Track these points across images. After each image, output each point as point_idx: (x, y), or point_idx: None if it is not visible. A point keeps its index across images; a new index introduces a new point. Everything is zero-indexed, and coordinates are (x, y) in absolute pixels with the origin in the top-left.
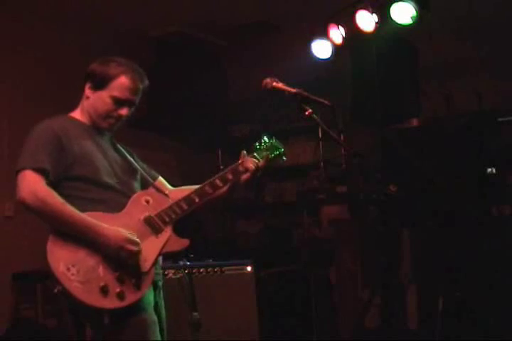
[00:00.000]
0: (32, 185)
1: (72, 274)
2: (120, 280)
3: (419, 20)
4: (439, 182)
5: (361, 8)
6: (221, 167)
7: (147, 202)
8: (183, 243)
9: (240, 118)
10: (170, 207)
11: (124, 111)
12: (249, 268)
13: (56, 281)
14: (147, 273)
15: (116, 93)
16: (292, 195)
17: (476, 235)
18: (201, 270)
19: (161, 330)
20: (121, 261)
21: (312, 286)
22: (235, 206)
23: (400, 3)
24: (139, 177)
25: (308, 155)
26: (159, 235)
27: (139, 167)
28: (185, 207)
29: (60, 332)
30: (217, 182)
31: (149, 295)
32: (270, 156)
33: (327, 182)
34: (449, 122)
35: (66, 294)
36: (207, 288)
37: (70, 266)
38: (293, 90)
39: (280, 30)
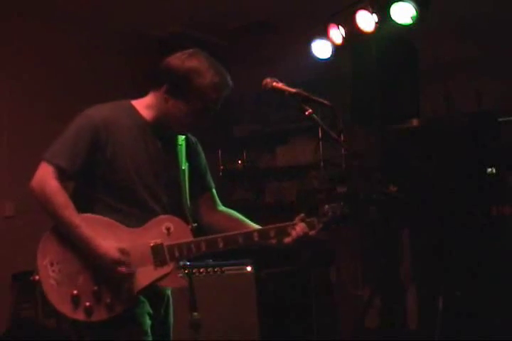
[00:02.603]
0: (44, 178)
1: (53, 271)
2: (95, 296)
3: (419, 20)
4: (439, 183)
5: (361, 8)
6: (221, 167)
7: (168, 229)
8: (180, 283)
9: (240, 119)
10: (187, 243)
11: (206, 121)
12: (249, 268)
13: (36, 272)
14: (127, 298)
15: (202, 106)
16: (292, 195)
17: (476, 235)
18: (201, 270)
19: (167, 337)
20: (107, 278)
21: (312, 286)
22: (234, 206)
23: (399, 3)
24: (186, 188)
25: (308, 155)
26: (159, 268)
27: (184, 181)
28: (203, 248)
29: (60, 332)
30: (255, 235)
31: (144, 306)
32: (326, 228)
33: (327, 182)
34: (449, 122)
35: (40, 286)
36: (207, 288)
37: (55, 263)
38: (293, 90)
39: (280, 30)
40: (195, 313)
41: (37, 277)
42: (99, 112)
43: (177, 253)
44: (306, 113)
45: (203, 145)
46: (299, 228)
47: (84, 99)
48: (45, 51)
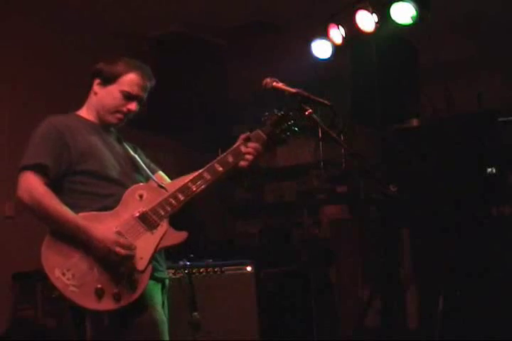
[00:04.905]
0: (29, 184)
1: (68, 279)
2: (115, 282)
3: (419, 20)
4: (439, 183)
5: (361, 8)
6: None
7: (141, 196)
8: (181, 236)
9: (240, 119)
10: (165, 200)
11: (133, 106)
12: (249, 268)
13: (52, 286)
14: (143, 271)
15: (126, 88)
16: (292, 195)
17: (476, 235)
18: (201, 270)
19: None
20: (114, 263)
21: (312, 286)
22: (234, 206)
23: (399, 3)
24: (144, 173)
25: (308, 155)
26: (154, 231)
27: (140, 162)
28: (181, 197)
29: (60, 332)
30: (216, 166)
31: (158, 294)
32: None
33: (327, 182)
34: (449, 122)
35: (64, 298)
36: (207, 288)
37: (65, 271)
38: (293, 90)
39: (280, 30)
40: (195, 313)
41: (56, 293)
42: (55, 119)
43: (162, 212)
44: (306, 113)
45: (203, 145)
46: (250, 146)
47: (85, 99)
48: (45, 51)
